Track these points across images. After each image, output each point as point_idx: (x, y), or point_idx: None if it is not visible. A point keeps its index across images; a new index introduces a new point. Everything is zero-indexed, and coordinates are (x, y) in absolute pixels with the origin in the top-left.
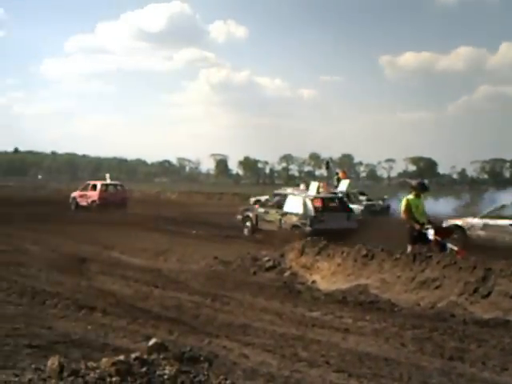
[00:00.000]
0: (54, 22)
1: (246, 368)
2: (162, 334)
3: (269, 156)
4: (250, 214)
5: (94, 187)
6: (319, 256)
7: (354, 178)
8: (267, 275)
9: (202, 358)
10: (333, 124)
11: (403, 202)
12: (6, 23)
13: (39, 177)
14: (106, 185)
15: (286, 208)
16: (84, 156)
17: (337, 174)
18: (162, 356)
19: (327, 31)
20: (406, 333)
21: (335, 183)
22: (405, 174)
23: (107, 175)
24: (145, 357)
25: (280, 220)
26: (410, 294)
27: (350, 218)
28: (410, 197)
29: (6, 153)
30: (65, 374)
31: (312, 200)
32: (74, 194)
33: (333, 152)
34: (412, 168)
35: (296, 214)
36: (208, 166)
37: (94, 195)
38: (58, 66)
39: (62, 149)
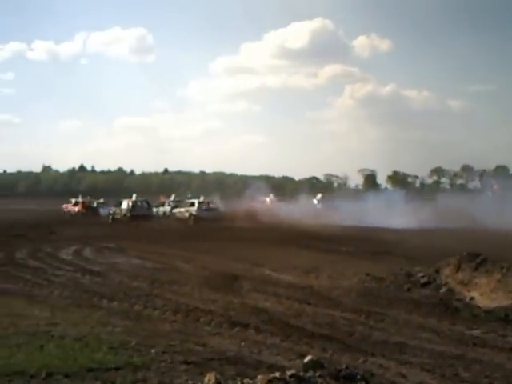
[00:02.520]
0: (199, 45)
1: None
2: (316, 352)
3: (418, 170)
4: (111, 211)
5: (74, 202)
6: (477, 272)
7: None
8: (422, 291)
9: (358, 377)
10: (485, 135)
11: None
12: (155, 49)
13: (188, 195)
14: (77, 201)
15: (122, 206)
16: (231, 175)
17: (492, 186)
18: (317, 373)
19: (474, 39)
20: None
21: (490, 194)
22: None
23: (80, 196)
24: (301, 374)
25: (121, 213)
26: None
27: (150, 209)
28: None
29: (156, 173)
30: None
31: (132, 202)
32: (64, 206)
33: (487, 164)
34: None
35: (125, 209)
36: (356, 181)
37: (72, 207)
38: (204, 88)
39: (210, 168)
